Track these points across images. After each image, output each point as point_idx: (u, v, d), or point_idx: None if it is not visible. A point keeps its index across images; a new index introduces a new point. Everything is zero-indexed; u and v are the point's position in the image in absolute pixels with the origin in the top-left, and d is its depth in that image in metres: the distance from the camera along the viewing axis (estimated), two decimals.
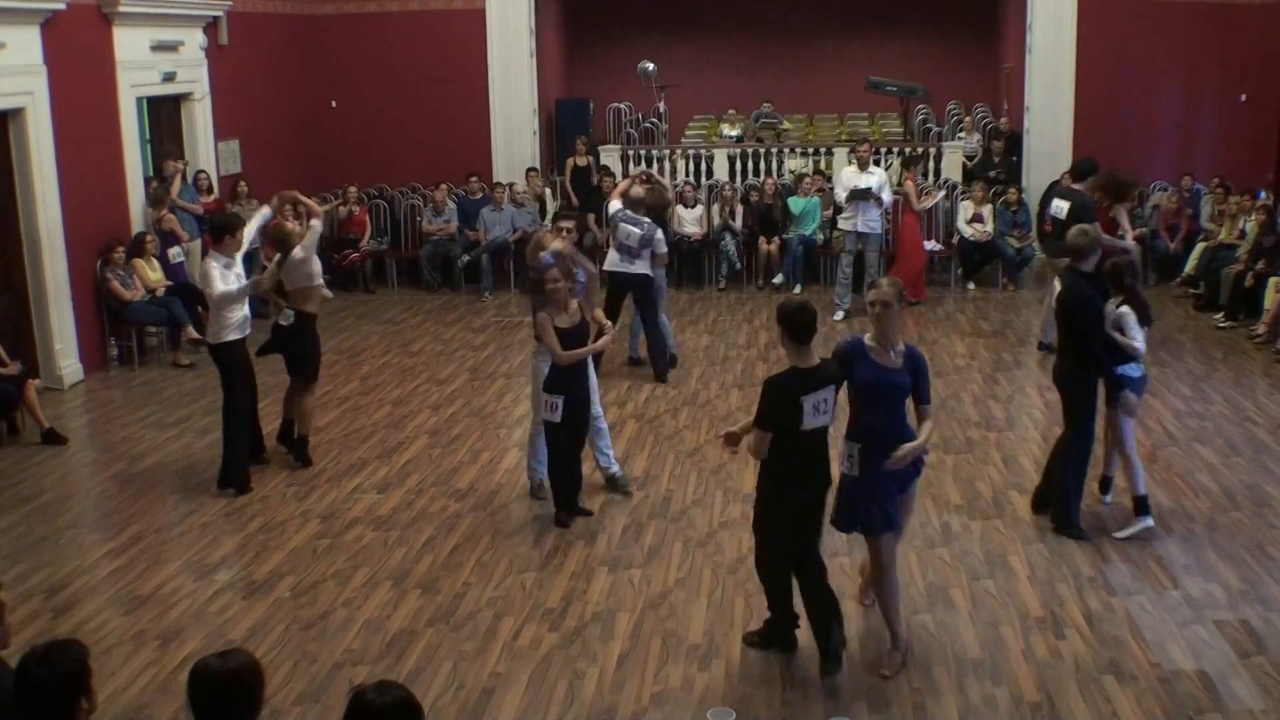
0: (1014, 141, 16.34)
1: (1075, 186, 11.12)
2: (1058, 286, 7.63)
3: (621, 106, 19.86)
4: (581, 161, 15.95)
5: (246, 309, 8.38)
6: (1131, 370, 7.14)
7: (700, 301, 14.09)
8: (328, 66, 16.49)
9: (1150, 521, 7.25)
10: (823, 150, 16.84)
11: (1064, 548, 7.11)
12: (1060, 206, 10.97)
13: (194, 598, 6.73)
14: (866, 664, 5.82)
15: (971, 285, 14.55)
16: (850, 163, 13.67)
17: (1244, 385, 10.34)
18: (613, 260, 10.82)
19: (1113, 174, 10.72)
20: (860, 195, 12.72)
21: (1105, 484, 7.76)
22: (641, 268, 10.64)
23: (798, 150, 17.02)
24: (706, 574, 6.90)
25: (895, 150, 16.44)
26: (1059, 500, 7.36)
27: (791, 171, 16.07)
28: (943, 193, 15.11)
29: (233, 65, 14.08)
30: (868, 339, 5.67)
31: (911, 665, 5.81)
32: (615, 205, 10.79)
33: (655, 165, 16.52)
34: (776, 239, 14.71)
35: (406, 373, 11.28)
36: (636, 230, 10.59)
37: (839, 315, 12.90)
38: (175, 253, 12.16)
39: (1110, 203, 10.70)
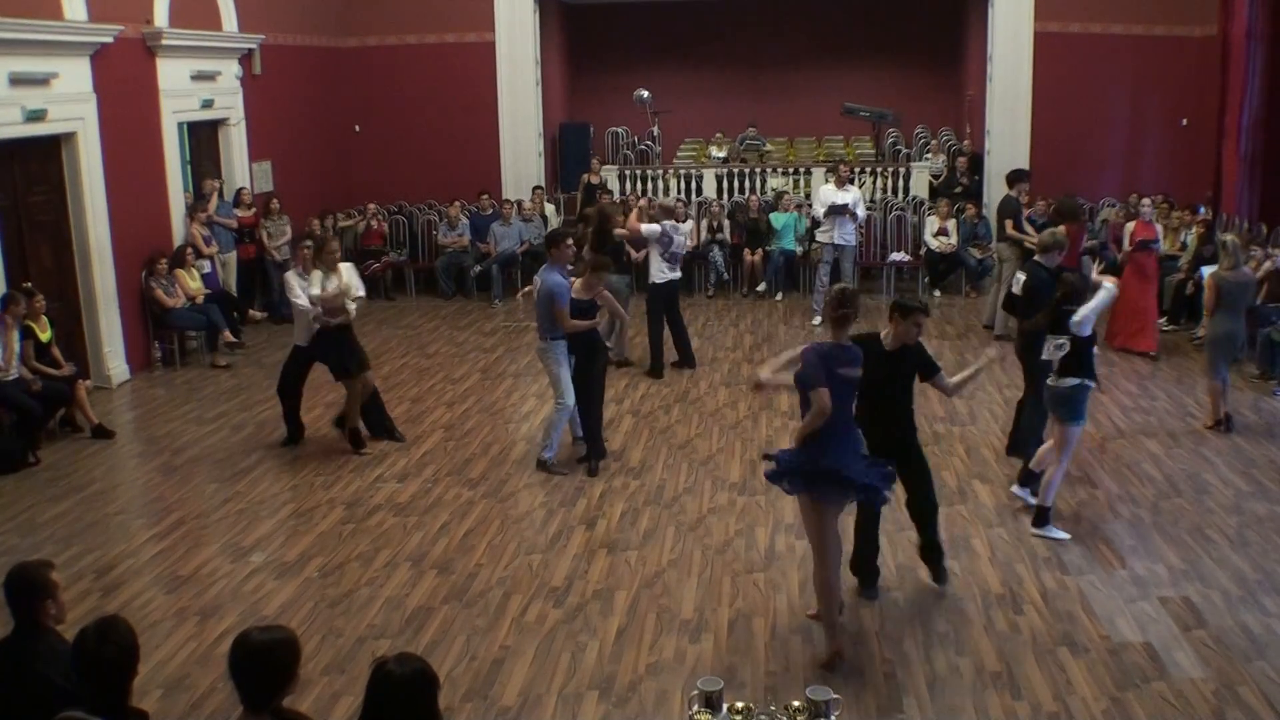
0: (976, 162, 16.35)
1: (1011, 193, 12.29)
2: (1021, 275, 8.00)
3: (619, 130, 19.85)
4: (595, 179, 15.96)
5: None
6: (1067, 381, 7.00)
7: (691, 308, 14.03)
8: (352, 94, 16.48)
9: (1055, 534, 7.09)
10: (802, 170, 16.84)
11: (1022, 531, 7.12)
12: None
13: (230, 577, 6.72)
14: (843, 637, 5.82)
15: (937, 292, 14.55)
16: (827, 181, 13.69)
17: (1185, 383, 10.35)
18: (664, 271, 10.98)
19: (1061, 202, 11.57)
20: (838, 211, 12.72)
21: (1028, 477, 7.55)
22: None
23: (779, 170, 17.02)
24: (697, 555, 6.90)
25: (867, 170, 16.48)
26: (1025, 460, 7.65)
27: (774, 189, 16.07)
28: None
29: (265, 93, 14.06)
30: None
31: (882, 638, 5.82)
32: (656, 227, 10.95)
33: (650, 184, 16.55)
34: (760, 251, 14.71)
35: (424, 373, 11.27)
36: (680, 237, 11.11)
37: (817, 320, 12.90)
38: (200, 264, 12.11)
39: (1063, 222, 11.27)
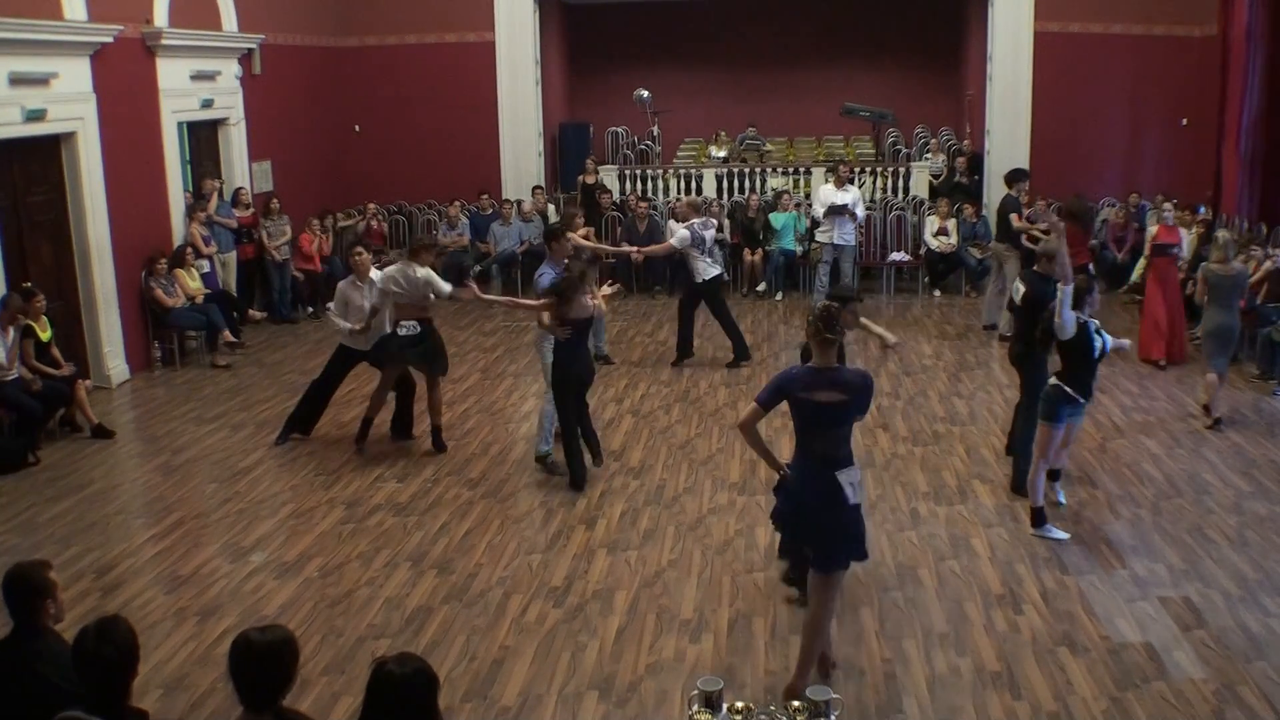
0: (976, 162, 16.35)
1: (1006, 193, 12.23)
2: (1020, 286, 7.83)
3: (619, 130, 19.85)
4: (590, 180, 15.97)
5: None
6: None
7: None
8: (352, 94, 16.48)
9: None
10: (802, 170, 16.84)
11: (1022, 531, 7.11)
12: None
13: (230, 577, 6.72)
14: (842, 638, 5.81)
15: (937, 292, 14.56)
16: (827, 181, 13.69)
17: (1185, 383, 10.34)
18: (710, 267, 11.11)
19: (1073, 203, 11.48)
20: (837, 211, 12.72)
21: (1054, 475, 7.56)
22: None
23: (779, 170, 17.02)
24: (696, 555, 6.89)
25: (867, 169, 16.49)
26: (1015, 466, 7.72)
27: (773, 189, 16.07)
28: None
29: (265, 93, 14.06)
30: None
31: (882, 637, 5.82)
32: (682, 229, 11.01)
33: (649, 184, 16.54)
34: (760, 250, 14.71)
35: None
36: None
37: None
38: (200, 264, 12.11)
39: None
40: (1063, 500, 7.48)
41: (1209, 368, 9.21)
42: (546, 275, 8.18)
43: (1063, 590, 6.32)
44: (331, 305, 9.12)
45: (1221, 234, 9.52)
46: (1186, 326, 11.81)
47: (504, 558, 6.91)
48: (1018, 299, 7.78)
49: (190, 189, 12.65)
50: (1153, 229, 11.67)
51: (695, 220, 11.09)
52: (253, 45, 13.68)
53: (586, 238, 11.48)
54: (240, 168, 13.61)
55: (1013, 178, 12.30)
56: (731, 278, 14.97)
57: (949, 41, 19.85)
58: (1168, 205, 11.81)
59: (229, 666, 3.33)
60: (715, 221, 11.86)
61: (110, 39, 10.60)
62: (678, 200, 14.82)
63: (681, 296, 11.46)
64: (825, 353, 5.10)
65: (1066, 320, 6.77)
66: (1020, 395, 7.90)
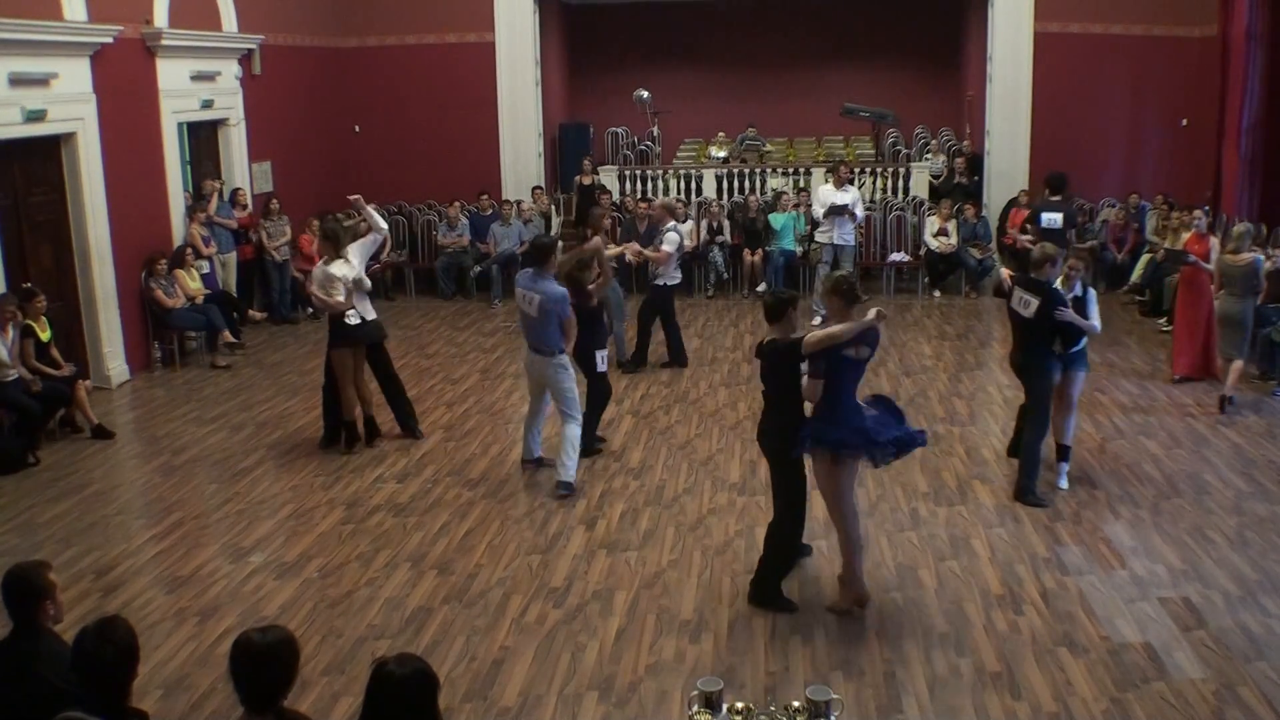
0: (975, 162, 16.35)
1: (1056, 199, 11.67)
2: (1032, 299, 7.71)
3: (619, 130, 19.84)
4: (588, 180, 15.98)
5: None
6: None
7: (690, 308, 14.06)
8: (352, 94, 16.48)
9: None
10: (802, 170, 16.84)
11: (1022, 531, 7.12)
12: (1053, 218, 11.46)
13: (230, 578, 6.72)
14: (842, 638, 5.82)
15: (937, 293, 14.56)
16: (826, 181, 13.69)
17: (1186, 384, 10.33)
18: (675, 274, 11.21)
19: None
20: (837, 211, 12.72)
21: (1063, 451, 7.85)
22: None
23: (779, 170, 17.02)
24: (696, 556, 6.90)
25: (867, 169, 16.50)
26: (1020, 472, 7.71)
27: (773, 190, 16.08)
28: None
29: (265, 93, 14.07)
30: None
31: (882, 638, 5.82)
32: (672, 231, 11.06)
33: (650, 185, 16.55)
34: (760, 251, 14.72)
35: (423, 373, 11.26)
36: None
37: (817, 320, 12.89)
38: (200, 264, 12.12)
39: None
40: (1063, 485, 7.74)
41: (1230, 355, 9.51)
42: (566, 295, 7.93)
43: (1063, 590, 6.32)
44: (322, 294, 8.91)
45: (1239, 226, 9.72)
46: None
47: (504, 558, 6.91)
48: (1027, 312, 7.48)
49: (190, 189, 12.66)
50: (1184, 236, 11.08)
51: (672, 223, 11.15)
52: (253, 46, 13.68)
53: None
54: (240, 168, 13.61)
55: (1063, 182, 11.68)
56: (731, 277, 15.01)
57: (949, 41, 19.86)
58: (1197, 213, 11.12)
59: (229, 667, 3.33)
60: (683, 229, 12.07)
61: (110, 39, 10.60)
62: (677, 200, 14.88)
63: (645, 304, 11.25)
64: (854, 316, 5.80)
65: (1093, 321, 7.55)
66: (1026, 401, 7.88)
